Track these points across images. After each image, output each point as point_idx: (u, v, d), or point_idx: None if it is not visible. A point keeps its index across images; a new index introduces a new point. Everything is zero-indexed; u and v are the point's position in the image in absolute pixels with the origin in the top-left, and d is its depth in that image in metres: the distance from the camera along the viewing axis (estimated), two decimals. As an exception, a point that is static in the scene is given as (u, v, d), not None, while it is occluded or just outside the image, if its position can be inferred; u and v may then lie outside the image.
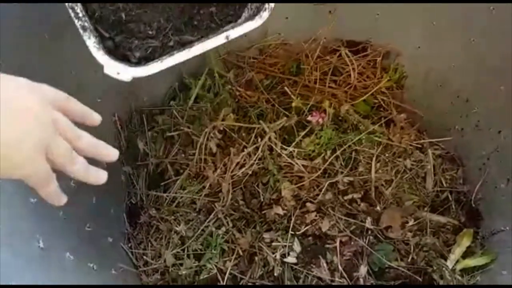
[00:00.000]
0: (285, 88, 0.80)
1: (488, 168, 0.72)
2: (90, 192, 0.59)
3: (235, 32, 0.44)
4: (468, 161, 0.75)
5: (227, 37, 0.44)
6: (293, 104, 0.74)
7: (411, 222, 0.65)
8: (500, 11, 0.65)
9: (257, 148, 0.68)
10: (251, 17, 0.45)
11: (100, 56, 0.41)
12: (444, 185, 0.71)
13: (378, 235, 0.63)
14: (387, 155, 0.69)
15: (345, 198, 0.65)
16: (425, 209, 0.68)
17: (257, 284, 0.61)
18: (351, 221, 0.63)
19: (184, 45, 0.44)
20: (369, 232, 0.63)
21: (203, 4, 0.46)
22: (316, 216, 0.62)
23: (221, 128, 0.71)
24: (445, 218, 0.68)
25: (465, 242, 0.64)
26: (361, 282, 0.59)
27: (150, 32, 0.44)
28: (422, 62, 0.78)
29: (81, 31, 0.41)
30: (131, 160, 0.74)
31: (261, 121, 0.72)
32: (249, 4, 0.47)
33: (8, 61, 0.45)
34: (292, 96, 0.77)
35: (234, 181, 0.69)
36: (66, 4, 0.42)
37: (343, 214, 0.64)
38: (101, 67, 0.42)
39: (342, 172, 0.68)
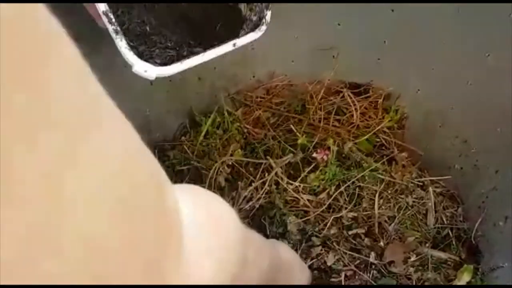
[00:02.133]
0: (291, 126, 0.83)
1: (487, 206, 0.74)
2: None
3: (240, 41, 0.51)
4: (468, 199, 0.78)
5: (234, 44, 0.51)
6: (299, 141, 0.77)
7: (413, 258, 0.66)
8: (495, 57, 0.69)
9: (264, 183, 0.71)
10: (251, 31, 0.55)
11: (131, 55, 0.47)
12: (445, 222, 0.73)
13: (382, 270, 0.64)
14: (389, 191, 0.71)
15: (350, 233, 0.67)
16: (427, 245, 0.69)
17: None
18: (356, 256, 0.65)
19: (195, 54, 0.49)
20: (373, 266, 0.64)
21: (208, 24, 0.56)
22: (321, 250, 0.64)
23: (230, 163, 0.74)
24: (446, 254, 0.69)
25: (465, 277, 0.66)
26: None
27: (169, 44, 0.50)
28: (422, 104, 0.82)
29: (113, 34, 0.47)
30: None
31: (268, 157, 0.74)
32: (245, 25, 0.54)
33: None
34: (298, 133, 0.81)
35: (241, 215, 0.71)
36: (101, 11, 0.47)
37: (348, 249, 0.65)
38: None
39: (346, 208, 0.70)
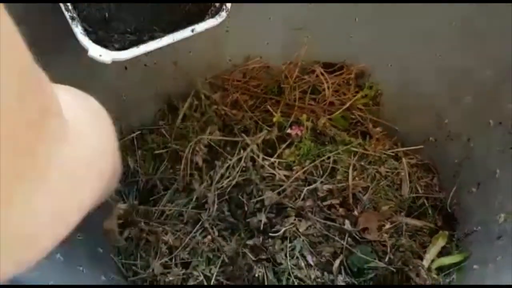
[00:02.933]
0: (268, 107, 0.84)
1: (461, 175, 0.75)
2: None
3: (199, 27, 0.52)
4: (443, 168, 0.79)
5: (192, 30, 0.52)
6: (274, 119, 0.78)
7: (387, 225, 0.67)
8: (460, 25, 0.70)
9: (240, 160, 0.72)
10: (212, 17, 0.52)
11: (86, 40, 0.49)
12: (420, 191, 0.74)
13: (356, 237, 0.65)
14: (363, 163, 0.72)
15: (324, 203, 0.68)
16: (402, 214, 0.71)
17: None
18: (330, 224, 0.66)
19: (155, 39, 0.50)
20: (347, 234, 0.65)
21: (172, 8, 0.53)
22: (294, 220, 0.65)
23: (206, 143, 0.75)
24: (421, 222, 0.70)
25: (440, 242, 0.67)
26: (339, 281, 0.61)
27: (129, 29, 0.51)
28: (395, 78, 0.83)
29: (69, 20, 0.48)
30: (122, 177, 0.77)
31: (243, 135, 0.76)
32: (209, 10, 0.54)
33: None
34: (274, 113, 0.82)
35: (219, 193, 0.72)
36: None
37: (322, 218, 0.66)
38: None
39: (322, 181, 0.71)
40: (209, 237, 0.67)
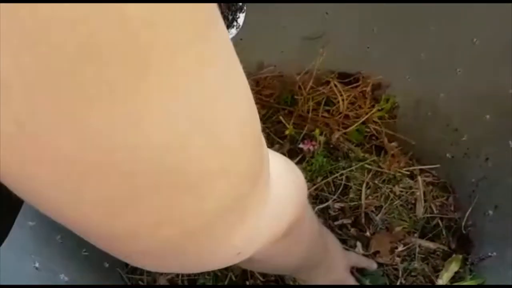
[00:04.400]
0: (280, 117, 0.82)
1: (477, 195, 0.72)
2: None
3: None
4: (459, 188, 0.76)
5: None
6: (287, 132, 0.76)
7: (400, 248, 0.65)
8: (482, 43, 0.68)
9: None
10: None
11: None
12: (435, 211, 0.72)
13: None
14: (376, 181, 0.70)
15: (336, 223, 0.66)
16: (415, 235, 0.68)
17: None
18: (342, 246, 0.64)
19: None
20: (359, 257, 0.64)
21: None
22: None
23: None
24: (435, 244, 0.68)
25: (453, 267, 0.65)
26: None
27: None
28: (412, 92, 0.80)
29: None
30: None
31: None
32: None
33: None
34: (287, 125, 0.80)
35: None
36: None
37: (333, 239, 0.65)
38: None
39: (333, 199, 0.69)
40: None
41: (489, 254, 0.66)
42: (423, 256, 0.67)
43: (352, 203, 0.68)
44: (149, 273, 0.68)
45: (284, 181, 0.27)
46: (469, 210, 0.72)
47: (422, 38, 0.74)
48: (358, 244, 0.64)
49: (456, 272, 0.65)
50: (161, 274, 0.66)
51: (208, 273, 0.65)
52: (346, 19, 0.78)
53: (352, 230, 0.66)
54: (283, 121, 0.81)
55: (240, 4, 0.51)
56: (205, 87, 0.15)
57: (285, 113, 0.84)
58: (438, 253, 0.68)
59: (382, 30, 0.77)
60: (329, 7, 0.79)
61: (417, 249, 0.66)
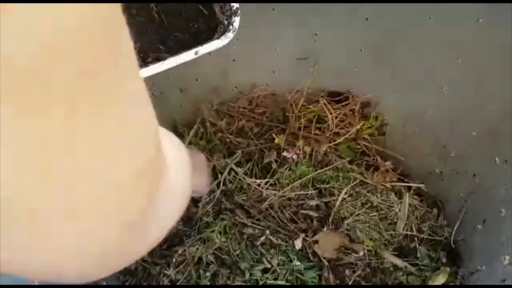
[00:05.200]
0: (273, 134, 0.83)
1: (466, 210, 0.73)
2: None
3: (203, 49, 0.50)
4: (448, 203, 0.77)
5: (196, 52, 0.50)
6: (276, 141, 0.78)
7: (361, 253, 0.66)
8: (466, 62, 0.69)
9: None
10: (218, 38, 0.51)
11: None
12: (424, 228, 0.73)
13: (306, 247, 0.66)
14: (357, 190, 0.71)
15: (302, 212, 0.68)
16: (389, 249, 0.69)
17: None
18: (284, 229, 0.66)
19: (160, 60, 0.49)
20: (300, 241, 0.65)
21: (181, 26, 0.53)
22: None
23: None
24: (403, 263, 0.68)
25: (440, 279, 0.65)
26: None
27: (135, 47, 0.50)
28: (401, 110, 0.82)
29: None
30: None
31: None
32: (218, 28, 0.52)
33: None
34: (275, 136, 0.81)
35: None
36: None
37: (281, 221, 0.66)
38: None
39: (308, 197, 0.71)
40: (210, 272, 0.66)
41: (479, 268, 0.66)
42: (387, 268, 0.67)
43: (326, 200, 0.70)
44: None
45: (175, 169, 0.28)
46: (457, 225, 0.73)
47: (408, 57, 0.76)
48: (301, 235, 0.65)
49: (445, 285, 0.66)
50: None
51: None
52: (335, 40, 0.80)
53: (315, 224, 0.67)
54: (276, 137, 0.82)
55: (234, 7, 0.52)
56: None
57: (278, 130, 0.85)
58: (427, 267, 0.69)
59: (369, 50, 0.79)
60: (318, 29, 0.81)
61: (378, 261, 0.67)
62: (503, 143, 0.67)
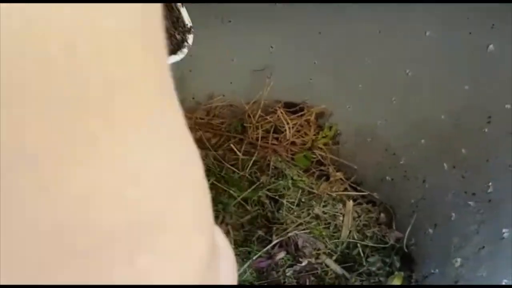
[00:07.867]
0: (231, 145, 0.80)
1: (417, 215, 0.72)
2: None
3: None
4: (399, 209, 0.76)
5: None
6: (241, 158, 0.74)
7: (304, 262, 0.64)
8: (415, 74, 0.69)
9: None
10: (174, 52, 0.48)
11: None
12: (374, 234, 0.71)
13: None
14: (303, 200, 0.69)
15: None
16: (333, 257, 0.66)
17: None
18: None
19: None
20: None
21: None
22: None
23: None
24: (342, 270, 0.66)
25: (395, 282, 0.63)
26: None
27: None
28: (353, 120, 0.80)
29: None
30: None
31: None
32: (172, 43, 0.50)
33: None
34: (237, 152, 0.77)
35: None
36: None
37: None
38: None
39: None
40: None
41: (432, 271, 0.65)
42: (325, 273, 0.65)
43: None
44: None
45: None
46: (409, 230, 0.72)
47: (359, 70, 0.75)
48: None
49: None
50: None
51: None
52: (290, 53, 0.78)
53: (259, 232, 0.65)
54: (234, 148, 0.78)
55: (188, 25, 0.49)
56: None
57: (236, 141, 0.81)
58: (382, 272, 0.67)
59: (322, 63, 0.78)
60: (273, 42, 0.79)
61: (318, 267, 0.64)
62: (451, 150, 0.66)
